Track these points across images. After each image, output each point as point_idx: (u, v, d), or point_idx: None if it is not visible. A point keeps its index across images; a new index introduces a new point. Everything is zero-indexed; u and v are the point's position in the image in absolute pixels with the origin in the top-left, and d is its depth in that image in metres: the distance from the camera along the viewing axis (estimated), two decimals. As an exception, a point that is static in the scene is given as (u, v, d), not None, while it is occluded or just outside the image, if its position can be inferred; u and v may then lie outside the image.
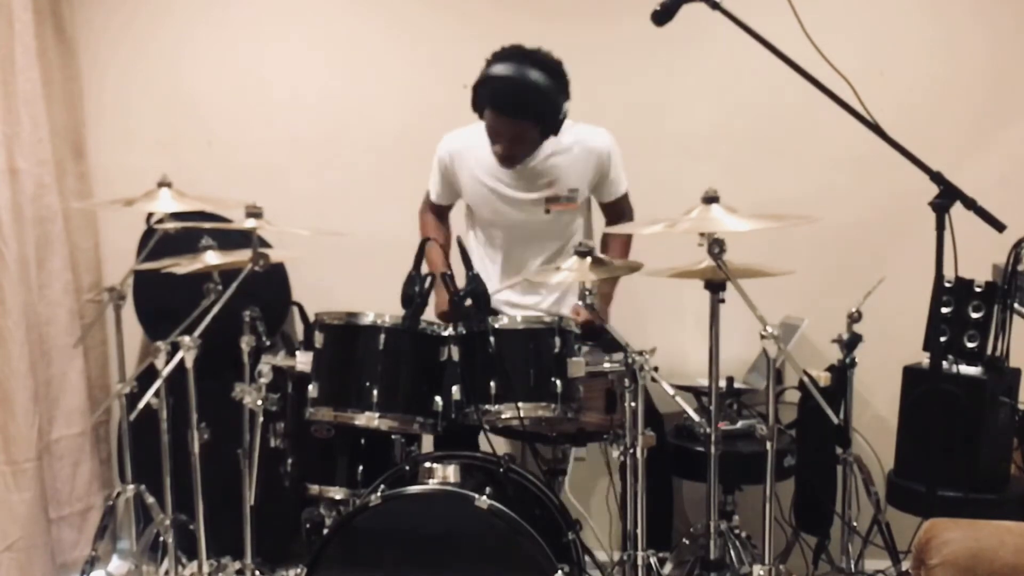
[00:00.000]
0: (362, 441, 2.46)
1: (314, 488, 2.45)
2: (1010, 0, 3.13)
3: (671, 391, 2.19)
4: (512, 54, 2.57)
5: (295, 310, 3.23)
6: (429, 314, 2.36)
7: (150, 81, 3.35)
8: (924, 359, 2.70)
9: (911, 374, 2.75)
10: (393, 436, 2.42)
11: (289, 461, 2.49)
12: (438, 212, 2.98)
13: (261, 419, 2.46)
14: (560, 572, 2.12)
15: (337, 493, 2.43)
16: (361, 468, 2.44)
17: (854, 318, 2.79)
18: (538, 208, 2.80)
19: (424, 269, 2.42)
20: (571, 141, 2.75)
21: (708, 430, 2.20)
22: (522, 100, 2.56)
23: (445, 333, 2.34)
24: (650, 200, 2.97)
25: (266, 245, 2.59)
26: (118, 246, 3.29)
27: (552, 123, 2.62)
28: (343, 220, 3.08)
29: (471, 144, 2.80)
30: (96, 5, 3.34)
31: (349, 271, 3.32)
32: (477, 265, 2.55)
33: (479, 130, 2.76)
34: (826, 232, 2.98)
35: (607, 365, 2.33)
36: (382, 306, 2.34)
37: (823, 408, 2.12)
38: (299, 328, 2.67)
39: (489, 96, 2.59)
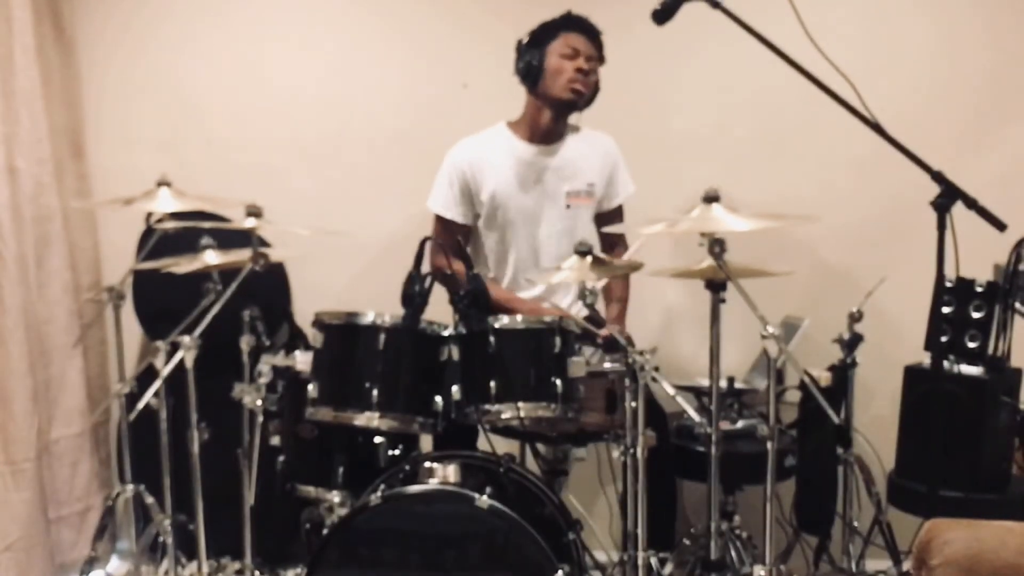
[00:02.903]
0: (347, 442, 2.44)
1: (303, 488, 2.45)
2: (1010, -1, 3.14)
3: (672, 391, 2.19)
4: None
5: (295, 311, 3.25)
6: (429, 313, 2.35)
7: (150, 80, 3.35)
8: (925, 359, 2.69)
9: (912, 374, 2.75)
10: (376, 440, 2.42)
11: (280, 460, 2.49)
12: (453, 240, 2.83)
13: (261, 419, 2.46)
14: (560, 572, 2.12)
15: (322, 493, 2.43)
16: (342, 470, 2.42)
17: (855, 318, 2.78)
18: (559, 203, 2.83)
19: (424, 268, 2.42)
20: (584, 139, 2.89)
21: (709, 430, 2.20)
22: (596, 30, 2.79)
23: (445, 333, 2.34)
24: (651, 199, 2.98)
25: (266, 245, 2.58)
26: (117, 245, 3.28)
27: (598, 76, 2.79)
28: (343, 220, 3.08)
29: (489, 147, 2.85)
30: (95, 4, 3.33)
31: (349, 271, 3.32)
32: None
33: (491, 134, 2.86)
34: (827, 232, 3.00)
35: (608, 365, 2.32)
36: (382, 306, 2.33)
37: (824, 408, 2.12)
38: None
39: (564, 19, 2.76)
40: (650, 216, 3.02)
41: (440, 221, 2.89)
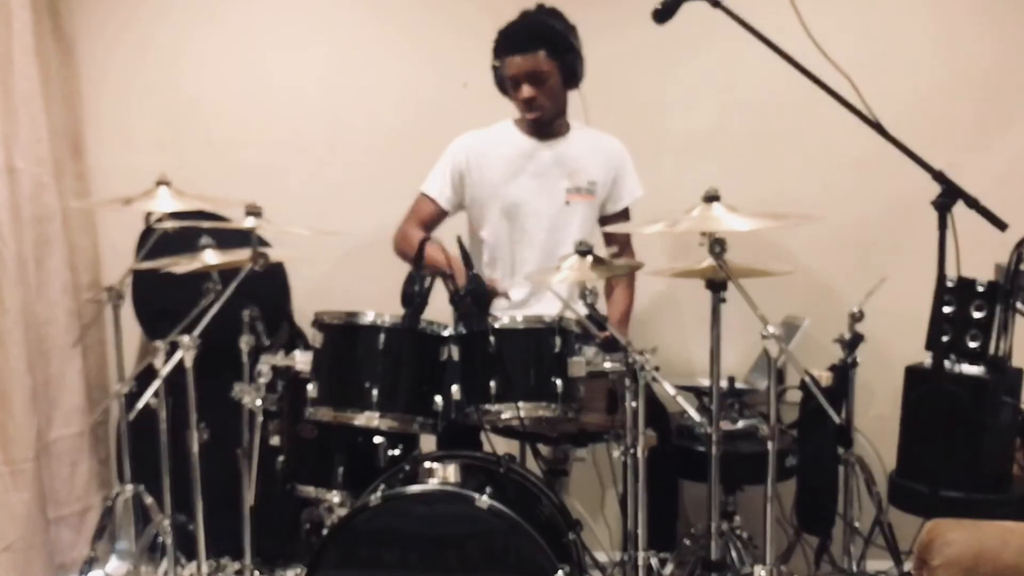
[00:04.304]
0: (347, 442, 2.43)
1: (303, 488, 2.45)
2: (1012, -2, 3.13)
3: (672, 391, 2.18)
4: (515, 18, 2.77)
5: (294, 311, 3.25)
6: (429, 314, 2.35)
7: (149, 80, 3.35)
8: (926, 359, 2.69)
9: (913, 374, 2.74)
10: (376, 440, 2.42)
11: (280, 460, 2.49)
12: (428, 223, 2.90)
13: (260, 419, 2.45)
14: (561, 572, 2.12)
15: (322, 493, 2.42)
16: (342, 470, 2.41)
17: (856, 317, 2.78)
18: (558, 198, 2.83)
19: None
20: (591, 137, 2.89)
21: (709, 430, 2.19)
22: (530, 32, 2.72)
23: (445, 333, 2.34)
24: (651, 199, 2.97)
25: (265, 244, 2.58)
26: (117, 245, 3.28)
27: (566, 59, 2.73)
28: (342, 219, 3.08)
29: (491, 139, 2.88)
30: (95, 4, 3.33)
31: (349, 271, 3.32)
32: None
33: (495, 129, 2.88)
34: (828, 231, 2.99)
35: (608, 365, 2.32)
36: (382, 306, 2.33)
37: (825, 408, 2.12)
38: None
39: (503, 45, 2.74)
40: (650, 216, 3.04)
41: (420, 198, 2.91)
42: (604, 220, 2.92)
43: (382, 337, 2.30)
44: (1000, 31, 3.13)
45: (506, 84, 2.79)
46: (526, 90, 2.74)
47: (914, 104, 3.03)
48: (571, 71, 2.76)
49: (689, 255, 2.26)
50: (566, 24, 2.77)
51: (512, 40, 2.74)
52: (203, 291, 2.61)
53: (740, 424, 2.79)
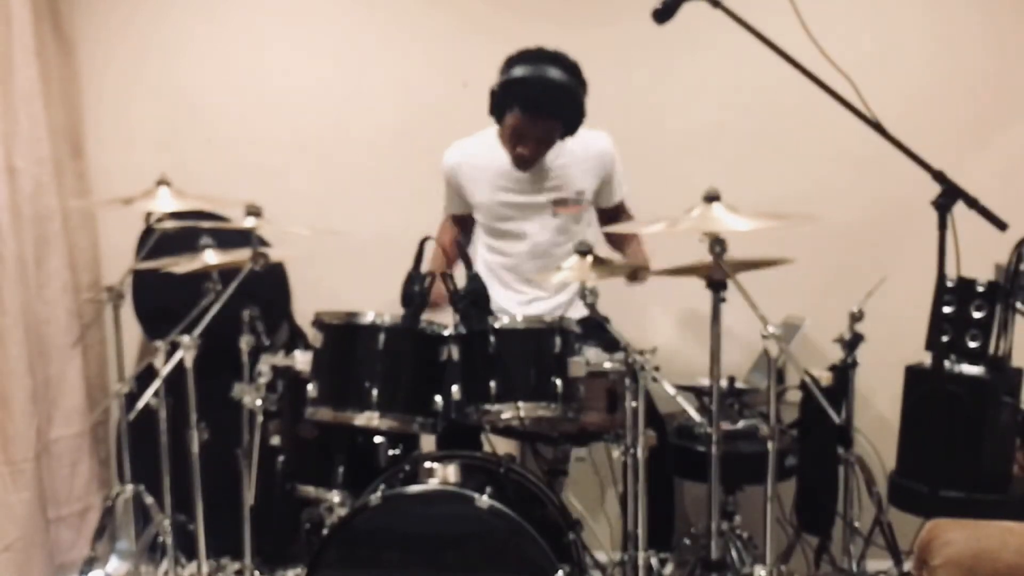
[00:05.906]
0: (347, 442, 2.44)
1: (303, 488, 2.45)
2: (1012, -2, 3.14)
3: (672, 391, 2.18)
4: (532, 56, 2.62)
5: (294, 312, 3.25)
6: (429, 314, 2.34)
7: (149, 79, 3.35)
8: (926, 359, 2.69)
9: (913, 374, 2.74)
10: (376, 440, 2.41)
11: (280, 460, 2.49)
12: (458, 223, 2.93)
13: (260, 419, 2.45)
14: (560, 572, 2.12)
15: (322, 493, 2.43)
16: (342, 470, 2.42)
17: (856, 317, 2.78)
18: (546, 212, 2.81)
19: (424, 268, 2.41)
20: (574, 144, 2.79)
21: (709, 430, 2.19)
22: (549, 98, 2.61)
23: (445, 333, 2.34)
24: (651, 199, 2.97)
25: (265, 244, 2.58)
26: (117, 245, 3.28)
27: (574, 122, 2.67)
28: (343, 219, 3.08)
29: (471, 153, 2.85)
30: (95, 3, 3.33)
31: (349, 271, 3.31)
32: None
33: (479, 140, 2.84)
34: (828, 231, 2.97)
35: (608, 364, 2.32)
36: (382, 306, 2.33)
37: (825, 408, 2.11)
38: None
39: (516, 98, 2.62)
40: (650, 215, 3.03)
41: (446, 217, 2.95)
42: (601, 214, 2.91)
43: (382, 337, 2.30)
44: (999, 31, 3.13)
45: (502, 121, 2.70)
46: (529, 149, 2.69)
47: (914, 104, 3.03)
48: (573, 125, 2.69)
49: (689, 254, 2.25)
50: (580, 80, 2.64)
51: (527, 100, 2.60)
52: (203, 291, 2.62)
53: (740, 424, 2.79)
